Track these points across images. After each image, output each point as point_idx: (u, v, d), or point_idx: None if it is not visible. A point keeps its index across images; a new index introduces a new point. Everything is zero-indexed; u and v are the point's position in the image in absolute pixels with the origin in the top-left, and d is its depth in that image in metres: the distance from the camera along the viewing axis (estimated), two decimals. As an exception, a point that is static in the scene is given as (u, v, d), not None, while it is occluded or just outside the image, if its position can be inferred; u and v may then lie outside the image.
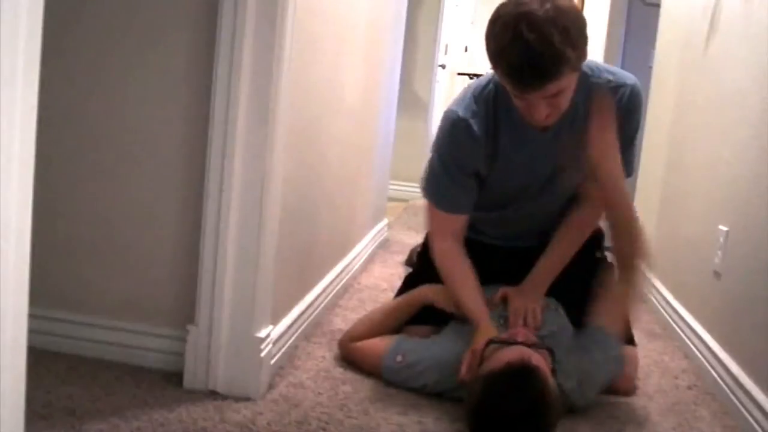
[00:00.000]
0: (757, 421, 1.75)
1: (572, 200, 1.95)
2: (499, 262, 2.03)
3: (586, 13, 6.75)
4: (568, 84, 1.65)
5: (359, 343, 1.97)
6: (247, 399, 1.69)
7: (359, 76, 2.68)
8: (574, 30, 1.58)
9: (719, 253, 2.21)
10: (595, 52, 5.73)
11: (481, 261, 1.94)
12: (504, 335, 1.74)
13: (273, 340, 1.80)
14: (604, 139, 1.76)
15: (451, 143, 1.85)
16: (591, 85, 1.80)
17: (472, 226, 1.99)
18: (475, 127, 1.80)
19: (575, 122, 1.80)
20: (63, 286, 1.83)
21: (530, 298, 1.89)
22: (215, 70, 1.65)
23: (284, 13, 1.64)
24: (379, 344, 1.92)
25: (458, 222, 1.92)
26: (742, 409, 1.84)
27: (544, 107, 1.67)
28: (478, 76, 7.68)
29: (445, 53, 6.07)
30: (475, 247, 1.97)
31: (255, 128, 1.65)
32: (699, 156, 2.62)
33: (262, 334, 1.72)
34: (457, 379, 1.73)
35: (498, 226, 2.06)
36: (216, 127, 1.66)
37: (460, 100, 1.87)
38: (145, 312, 1.80)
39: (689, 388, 2.08)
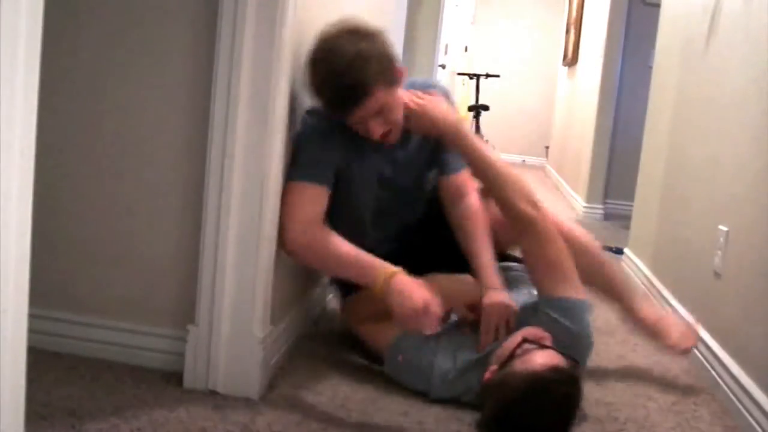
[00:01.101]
0: (757, 421, 1.75)
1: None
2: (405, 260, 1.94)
3: (586, 13, 6.74)
4: (385, 100, 1.78)
5: (370, 326, 1.94)
6: (247, 399, 1.69)
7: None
8: (375, 47, 1.77)
9: (719, 253, 2.21)
10: (596, 52, 5.73)
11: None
12: (530, 336, 1.71)
13: (273, 340, 1.80)
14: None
15: (314, 135, 1.87)
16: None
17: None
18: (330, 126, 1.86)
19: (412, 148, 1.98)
20: (63, 286, 1.83)
21: (501, 306, 1.87)
22: (215, 70, 1.65)
23: (284, 13, 1.64)
24: (388, 333, 1.87)
25: (319, 204, 1.82)
26: (742, 409, 1.84)
27: (378, 125, 1.81)
28: (478, 76, 7.67)
29: (445, 53, 6.07)
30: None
31: (255, 128, 1.65)
32: (699, 156, 2.62)
33: (262, 334, 1.72)
34: (483, 378, 1.71)
35: (381, 234, 2.04)
36: (216, 127, 1.66)
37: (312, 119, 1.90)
38: (145, 312, 1.80)
39: (689, 388, 2.08)
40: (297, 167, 1.84)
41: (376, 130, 1.81)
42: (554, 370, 1.60)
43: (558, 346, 1.70)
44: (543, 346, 1.68)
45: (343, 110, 1.79)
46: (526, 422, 1.58)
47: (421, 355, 1.84)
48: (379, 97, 1.76)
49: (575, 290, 1.81)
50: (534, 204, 1.84)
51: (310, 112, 1.90)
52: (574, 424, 1.68)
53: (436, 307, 1.68)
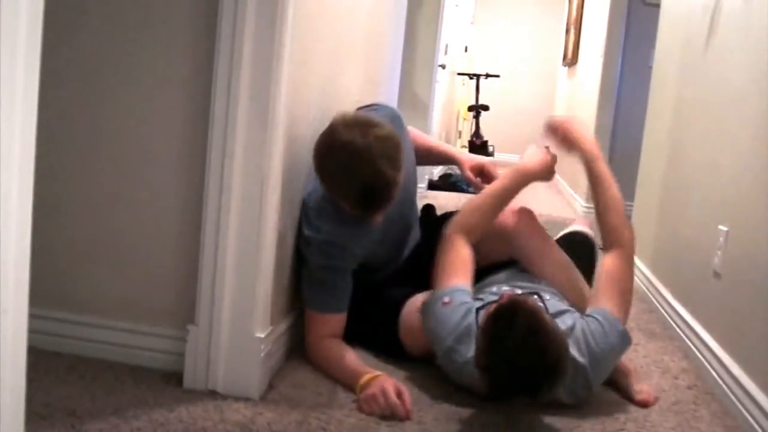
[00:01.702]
0: (757, 421, 1.75)
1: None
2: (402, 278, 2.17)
3: (586, 13, 6.75)
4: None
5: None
6: (247, 399, 1.69)
7: (359, 76, 2.68)
8: (395, 158, 1.81)
9: (719, 253, 2.21)
10: (595, 52, 5.73)
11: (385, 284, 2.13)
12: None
13: (273, 340, 1.80)
14: None
15: (323, 258, 1.94)
16: None
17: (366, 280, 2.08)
18: (338, 240, 1.92)
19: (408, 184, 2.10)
20: (63, 286, 1.83)
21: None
22: (215, 70, 1.65)
23: (284, 13, 1.64)
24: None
25: (338, 323, 1.97)
26: (742, 409, 1.84)
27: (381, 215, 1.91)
28: (478, 76, 7.67)
29: (445, 53, 6.07)
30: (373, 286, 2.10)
31: (255, 128, 1.65)
32: (699, 156, 2.62)
33: (262, 334, 1.72)
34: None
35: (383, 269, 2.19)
36: (216, 127, 1.66)
37: (312, 224, 1.95)
38: (145, 312, 1.80)
39: (689, 388, 2.08)
40: (315, 290, 1.95)
41: (379, 219, 1.93)
42: (499, 305, 1.64)
43: (579, 352, 1.74)
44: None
45: (364, 214, 1.87)
46: (508, 360, 1.58)
47: (463, 312, 1.82)
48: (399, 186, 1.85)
49: (624, 318, 1.88)
50: (631, 230, 2.03)
51: (318, 195, 1.94)
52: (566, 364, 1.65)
53: (404, 401, 1.70)
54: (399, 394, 1.70)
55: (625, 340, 1.83)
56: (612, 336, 1.78)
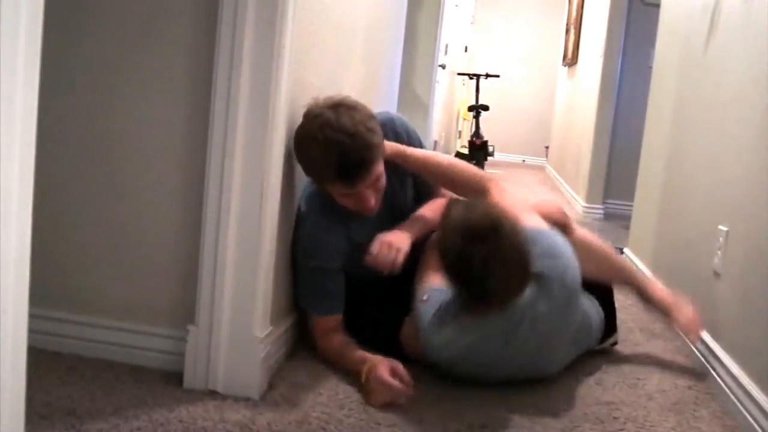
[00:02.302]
0: (757, 421, 1.75)
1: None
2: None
3: (586, 13, 6.74)
4: (380, 170, 1.87)
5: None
6: (247, 399, 1.69)
7: (359, 76, 2.68)
8: (368, 117, 1.83)
9: (719, 253, 2.21)
10: (595, 52, 5.73)
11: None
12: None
13: (273, 340, 1.80)
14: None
15: (309, 258, 1.97)
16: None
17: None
18: (320, 234, 1.96)
19: (395, 191, 2.08)
20: (63, 286, 1.83)
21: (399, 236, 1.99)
22: (215, 70, 1.65)
23: (284, 13, 1.64)
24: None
25: (335, 321, 2.01)
26: (742, 409, 1.84)
27: (372, 194, 1.88)
28: (478, 76, 7.68)
29: (445, 53, 6.07)
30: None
31: (255, 128, 1.65)
32: (699, 156, 2.62)
33: (262, 334, 1.72)
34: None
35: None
36: (216, 128, 1.66)
37: (299, 221, 1.99)
38: (145, 312, 1.80)
39: (689, 388, 2.08)
40: (309, 294, 1.99)
41: (371, 200, 1.88)
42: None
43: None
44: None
45: (347, 185, 1.83)
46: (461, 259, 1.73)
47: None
48: (378, 167, 1.85)
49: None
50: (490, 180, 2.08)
51: (310, 197, 1.98)
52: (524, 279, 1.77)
53: (404, 383, 1.75)
54: (394, 373, 1.76)
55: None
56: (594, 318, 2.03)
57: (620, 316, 2.41)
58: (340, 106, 1.81)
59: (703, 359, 2.21)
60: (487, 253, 1.71)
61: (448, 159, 2.12)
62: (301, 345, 2.07)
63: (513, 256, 1.74)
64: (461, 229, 1.74)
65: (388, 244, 1.91)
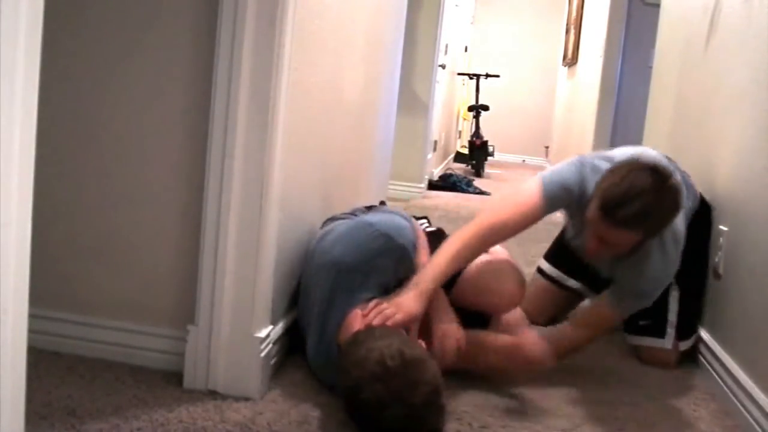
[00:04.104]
0: (756, 421, 1.75)
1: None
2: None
3: (586, 13, 6.74)
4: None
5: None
6: (247, 399, 1.69)
7: (359, 76, 2.68)
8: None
9: (719, 253, 2.21)
10: (595, 52, 5.73)
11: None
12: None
13: (273, 340, 1.80)
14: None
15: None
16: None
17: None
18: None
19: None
20: (63, 286, 1.83)
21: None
22: (215, 70, 1.65)
23: (284, 13, 1.64)
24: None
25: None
26: (742, 409, 1.84)
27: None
28: (478, 76, 7.66)
29: (445, 53, 6.07)
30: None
31: (255, 128, 1.65)
32: (699, 156, 2.62)
33: (262, 334, 1.72)
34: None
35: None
36: (216, 128, 1.66)
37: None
38: (145, 312, 1.80)
39: (689, 388, 2.08)
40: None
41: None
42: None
43: None
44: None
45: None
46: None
47: None
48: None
49: None
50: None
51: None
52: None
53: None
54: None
55: None
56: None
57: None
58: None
59: (703, 359, 2.21)
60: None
61: (459, 243, 1.87)
62: (301, 345, 2.07)
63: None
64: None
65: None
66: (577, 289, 2.47)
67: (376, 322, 1.67)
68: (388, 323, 1.68)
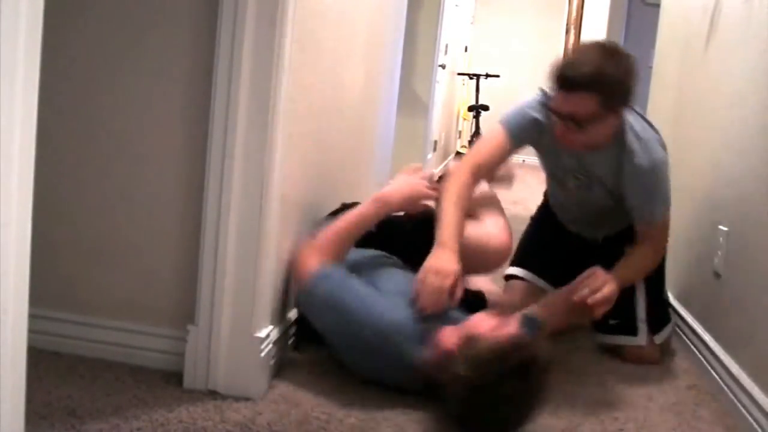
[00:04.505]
0: (756, 421, 1.75)
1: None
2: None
3: (586, 13, 6.74)
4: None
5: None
6: (247, 399, 1.69)
7: (359, 76, 2.68)
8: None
9: (719, 253, 2.21)
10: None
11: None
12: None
13: (273, 340, 1.80)
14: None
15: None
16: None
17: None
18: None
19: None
20: (63, 286, 1.83)
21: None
22: (215, 70, 1.65)
23: (284, 13, 1.64)
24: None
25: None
26: (742, 409, 1.84)
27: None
28: (478, 76, 7.65)
29: (445, 53, 6.07)
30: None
31: (255, 128, 1.65)
32: (699, 156, 2.62)
33: (262, 334, 1.72)
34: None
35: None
36: (216, 127, 1.66)
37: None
38: (145, 312, 1.80)
39: (689, 388, 2.08)
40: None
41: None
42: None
43: None
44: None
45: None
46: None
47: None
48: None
49: None
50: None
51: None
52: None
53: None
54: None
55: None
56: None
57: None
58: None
59: (703, 359, 2.21)
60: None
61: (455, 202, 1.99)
62: (302, 345, 2.07)
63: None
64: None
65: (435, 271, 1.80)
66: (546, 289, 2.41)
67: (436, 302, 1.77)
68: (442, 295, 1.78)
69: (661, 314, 2.32)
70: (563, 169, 2.20)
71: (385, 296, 1.81)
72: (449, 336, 1.69)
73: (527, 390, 1.56)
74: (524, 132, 2.13)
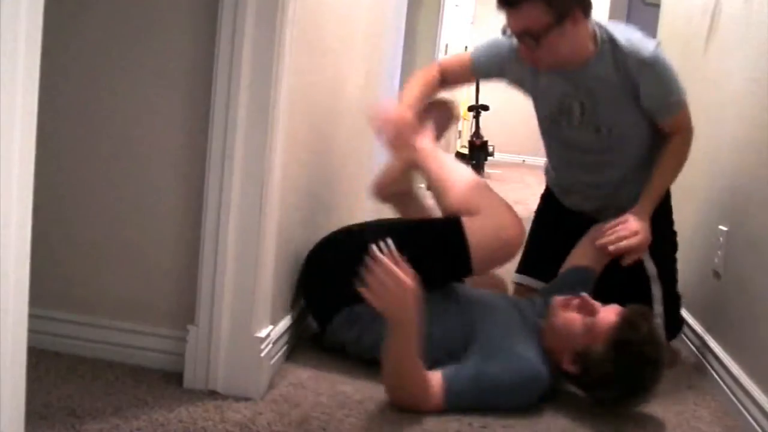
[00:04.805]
0: (756, 421, 1.75)
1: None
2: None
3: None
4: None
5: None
6: (247, 399, 1.69)
7: (359, 76, 2.68)
8: None
9: (719, 253, 2.21)
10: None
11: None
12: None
13: (273, 340, 1.80)
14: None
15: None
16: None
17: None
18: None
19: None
20: (63, 286, 1.83)
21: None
22: (215, 70, 1.65)
23: (284, 13, 1.64)
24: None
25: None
26: (742, 409, 1.84)
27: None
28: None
29: (445, 53, 6.07)
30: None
31: (255, 128, 1.65)
32: (699, 156, 2.62)
33: (262, 334, 1.72)
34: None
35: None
36: (216, 127, 1.66)
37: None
38: (145, 312, 1.80)
39: (689, 388, 2.08)
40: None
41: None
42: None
43: None
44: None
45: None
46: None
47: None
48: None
49: None
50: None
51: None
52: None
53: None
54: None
55: None
56: None
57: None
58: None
59: (703, 359, 2.21)
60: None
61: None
62: (301, 345, 2.07)
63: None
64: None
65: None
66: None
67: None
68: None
69: (676, 317, 2.29)
70: (564, 99, 2.15)
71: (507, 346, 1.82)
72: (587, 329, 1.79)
73: (659, 347, 1.77)
74: (487, 58, 2.25)
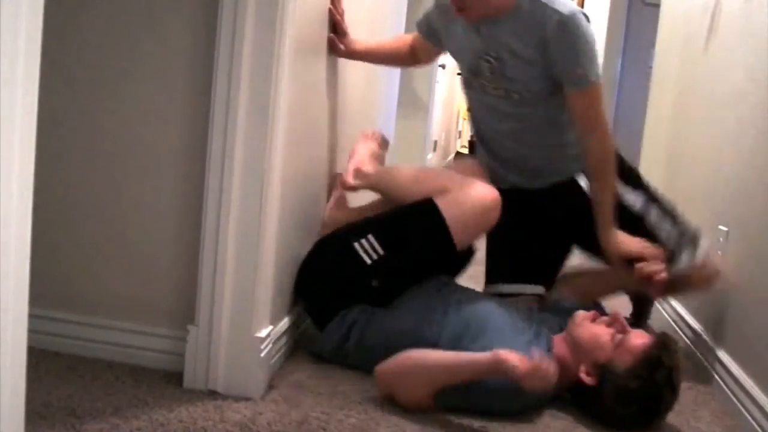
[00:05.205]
0: (756, 421, 1.75)
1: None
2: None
3: (586, 13, 6.73)
4: None
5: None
6: (247, 399, 1.69)
7: (359, 76, 2.68)
8: None
9: (719, 253, 2.21)
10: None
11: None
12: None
13: (273, 340, 1.80)
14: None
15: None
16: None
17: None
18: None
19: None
20: (63, 286, 1.83)
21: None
22: (215, 70, 1.65)
23: (284, 13, 1.64)
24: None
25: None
26: (742, 409, 1.84)
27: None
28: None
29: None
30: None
31: (255, 128, 1.65)
32: (699, 156, 2.62)
33: (262, 334, 1.72)
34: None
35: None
36: (216, 127, 1.66)
37: None
38: (145, 312, 1.80)
39: (689, 388, 2.08)
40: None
41: None
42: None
43: None
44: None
45: None
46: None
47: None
48: None
49: None
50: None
51: None
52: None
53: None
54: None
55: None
56: None
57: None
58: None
59: (703, 359, 2.21)
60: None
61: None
62: (301, 345, 2.07)
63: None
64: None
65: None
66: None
67: None
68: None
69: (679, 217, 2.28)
70: (475, 58, 2.14)
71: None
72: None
73: (675, 370, 1.75)
74: (426, 20, 2.34)
